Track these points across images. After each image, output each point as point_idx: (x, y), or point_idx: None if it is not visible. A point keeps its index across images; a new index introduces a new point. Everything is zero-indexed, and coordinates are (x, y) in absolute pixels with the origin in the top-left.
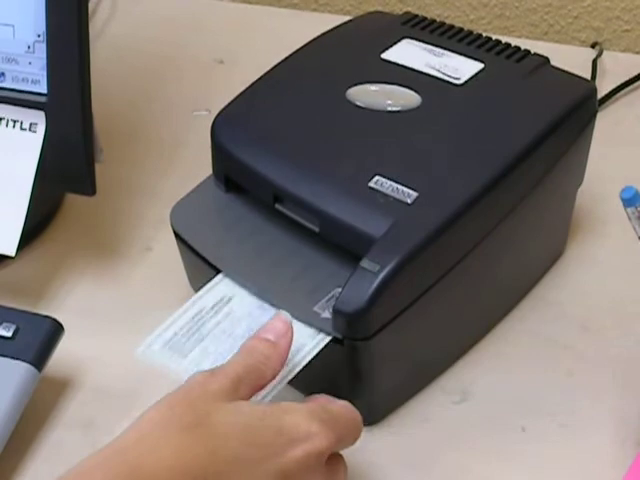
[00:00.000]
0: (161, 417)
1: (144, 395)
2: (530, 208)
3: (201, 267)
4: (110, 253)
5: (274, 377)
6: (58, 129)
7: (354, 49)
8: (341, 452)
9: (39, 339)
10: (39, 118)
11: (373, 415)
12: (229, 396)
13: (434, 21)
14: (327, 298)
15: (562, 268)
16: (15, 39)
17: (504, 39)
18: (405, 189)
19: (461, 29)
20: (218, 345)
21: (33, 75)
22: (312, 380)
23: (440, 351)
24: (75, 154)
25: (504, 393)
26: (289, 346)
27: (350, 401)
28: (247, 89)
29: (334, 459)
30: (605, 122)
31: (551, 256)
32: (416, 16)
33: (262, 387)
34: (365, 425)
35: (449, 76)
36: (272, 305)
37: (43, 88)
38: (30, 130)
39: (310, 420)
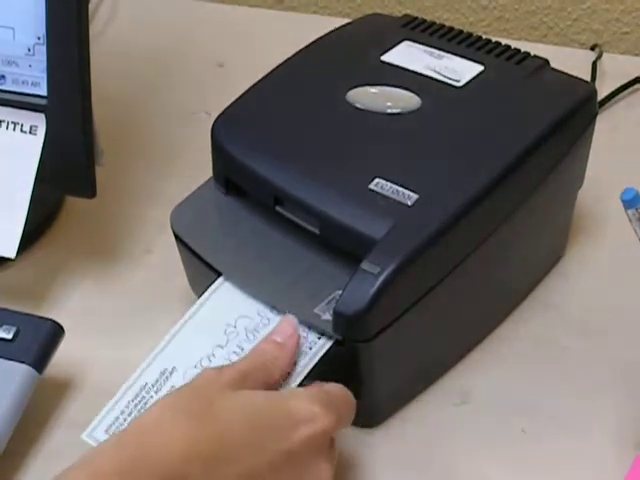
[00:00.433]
0: (171, 405)
1: None
2: (530, 210)
3: (201, 270)
4: (110, 256)
5: (282, 377)
6: (58, 131)
7: (354, 51)
8: (343, 453)
9: (39, 341)
10: (39, 120)
11: (374, 417)
12: (235, 386)
13: (434, 23)
14: (328, 300)
15: (562, 270)
16: (15, 42)
17: (504, 41)
18: (405, 191)
19: (461, 31)
20: None
21: (33, 78)
22: (312, 382)
23: (441, 353)
24: (75, 156)
25: (504, 395)
26: (296, 347)
27: None
28: (247, 92)
29: (332, 442)
30: (605, 124)
31: (551, 258)
32: (416, 18)
33: (269, 386)
34: (366, 427)
35: (449, 78)
36: (273, 310)
37: (43, 90)
38: (30, 132)
39: (312, 402)
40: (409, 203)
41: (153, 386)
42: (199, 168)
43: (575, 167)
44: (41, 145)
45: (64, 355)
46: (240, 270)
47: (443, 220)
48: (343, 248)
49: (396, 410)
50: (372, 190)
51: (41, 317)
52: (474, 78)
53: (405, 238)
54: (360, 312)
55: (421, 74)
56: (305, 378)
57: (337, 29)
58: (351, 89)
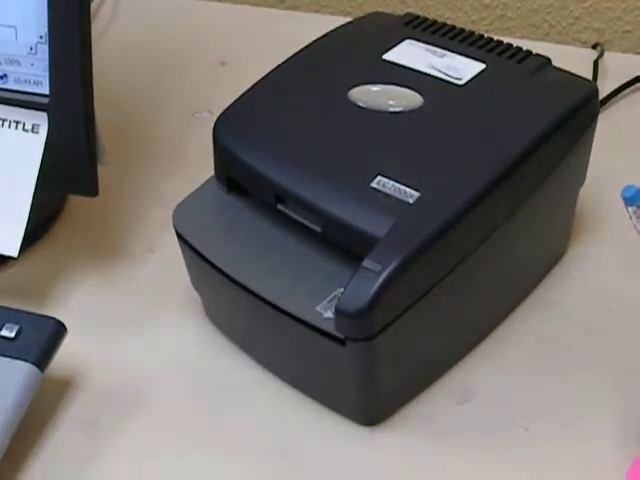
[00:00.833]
0: None
1: (147, 396)
2: (532, 208)
3: (203, 268)
4: (113, 254)
5: None
6: (60, 130)
7: (356, 50)
8: (344, 451)
9: (42, 340)
10: (41, 119)
11: (375, 415)
12: None
13: (436, 22)
14: (329, 298)
15: (564, 268)
16: (17, 41)
17: (505, 40)
18: (407, 189)
19: (463, 30)
20: None
21: (35, 76)
22: (314, 380)
23: (442, 351)
24: (77, 155)
25: (506, 393)
26: None
27: (352, 401)
28: (249, 90)
29: None
30: (606, 123)
31: (553, 256)
32: (418, 17)
33: None
34: (367, 425)
35: (451, 77)
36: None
37: (45, 89)
38: (32, 131)
39: None
40: (411, 201)
41: None
42: (201, 167)
43: (577, 165)
44: (43, 144)
45: (66, 354)
46: (242, 268)
47: (445, 218)
48: (345, 246)
49: (398, 408)
50: (374, 188)
51: (44, 316)
52: (476, 76)
53: (407, 236)
54: (362, 310)
55: (423, 72)
56: None
57: (339, 28)
58: (353, 87)
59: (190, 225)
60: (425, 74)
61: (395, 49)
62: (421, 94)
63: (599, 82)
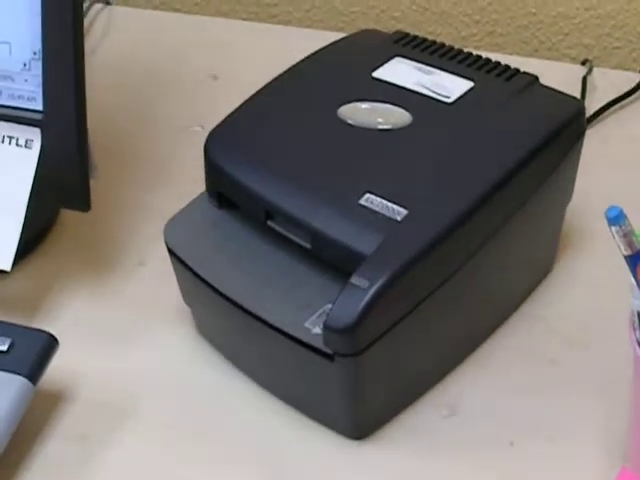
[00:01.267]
0: None
1: (138, 408)
2: (519, 225)
3: (194, 283)
4: (104, 268)
5: None
6: (54, 146)
7: (346, 67)
8: (332, 464)
9: (34, 353)
10: (35, 135)
11: (362, 429)
12: None
13: (425, 40)
14: (318, 314)
15: (551, 284)
16: (11, 57)
17: (495, 56)
18: (395, 206)
19: (452, 47)
20: None
21: (29, 92)
22: (303, 394)
23: (429, 366)
24: (70, 170)
25: (492, 407)
26: None
27: (340, 415)
28: (240, 106)
29: None
30: (595, 139)
31: (540, 272)
32: (407, 34)
33: None
34: (354, 439)
35: (439, 94)
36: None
37: (39, 105)
38: (26, 146)
39: None
40: (399, 218)
41: None
42: (193, 181)
43: (563, 183)
44: (36, 159)
45: (58, 367)
46: (232, 283)
47: (432, 236)
48: (333, 263)
49: (385, 422)
50: (362, 205)
51: (36, 329)
52: (464, 94)
53: (394, 253)
54: (349, 326)
55: (412, 90)
56: None
57: (330, 45)
58: (342, 105)
59: (181, 240)
60: (414, 92)
61: (384, 67)
62: (410, 112)
63: (588, 98)
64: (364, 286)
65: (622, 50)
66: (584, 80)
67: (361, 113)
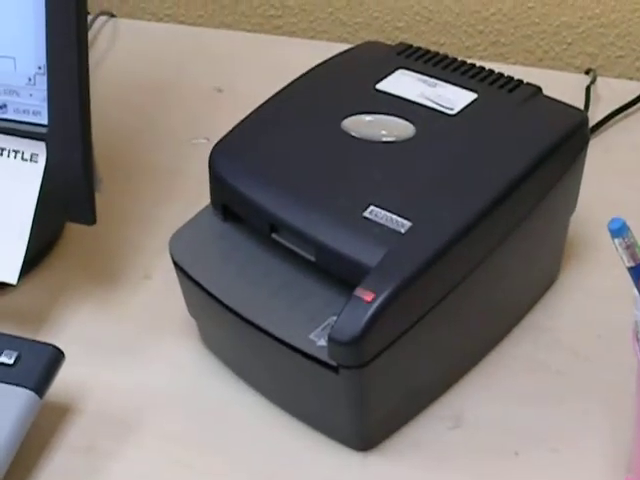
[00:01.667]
0: None
1: (144, 420)
2: (523, 236)
3: (199, 295)
4: (110, 281)
5: None
6: (59, 159)
7: (349, 79)
8: (337, 476)
9: (40, 366)
10: (40, 149)
11: (367, 441)
12: None
13: (428, 51)
14: (323, 326)
15: (555, 295)
16: (16, 71)
17: (499, 66)
18: (399, 219)
19: (455, 59)
20: None
21: (34, 107)
22: (308, 406)
23: (434, 378)
24: (75, 184)
25: (497, 419)
26: None
27: (345, 426)
28: (245, 119)
29: None
30: (599, 148)
31: (544, 283)
32: (410, 46)
33: None
34: (359, 451)
35: (443, 106)
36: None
37: (44, 119)
38: (31, 160)
39: None
40: (403, 231)
41: None
42: (198, 194)
43: (567, 194)
44: (42, 173)
45: (64, 379)
46: (237, 296)
47: (436, 248)
48: (338, 275)
49: (390, 433)
50: (366, 218)
51: (42, 342)
52: (467, 106)
53: (399, 266)
54: (354, 338)
55: (415, 102)
56: None
57: (333, 57)
58: (346, 117)
59: (186, 253)
60: (417, 104)
61: (388, 79)
62: (413, 124)
63: (592, 107)
64: (368, 299)
65: (626, 59)
66: (588, 89)
67: (365, 125)
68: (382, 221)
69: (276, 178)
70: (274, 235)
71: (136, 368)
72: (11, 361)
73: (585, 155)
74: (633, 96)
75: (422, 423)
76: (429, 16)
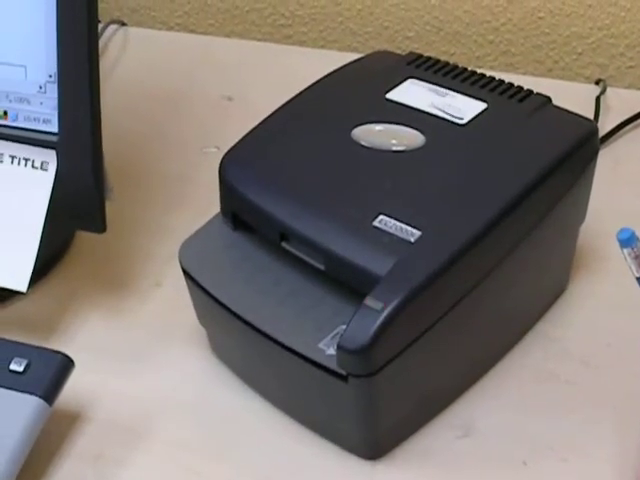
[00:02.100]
0: None
1: (153, 428)
2: (533, 246)
3: (209, 304)
4: (120, 289)
5: None
6: (69, 168)
7: (360, 89)
8: None
9: (50, 374)
10: (50, 157)
11: (377, 449)
12: None
13: (438, 61)
14: (332, 335)
15: (565, 304)
16: (27, 80)
17: (509, 76)
18: (409, 228)
19: (465, 69)
20: None
21: (45, 115)
22: (317, 414)
23: (443, 386)
24: (86, 192)
25: (506, 427)
26: None
27: (354, 435)
28: (255, 128)
29: None
30: (608, 159)
31: (554, 292)
32: (421, 56)
33: None
34: (369, 459)
35: (453, 116)
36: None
37: (54, 127)
38: (41, 168)
39: None
40: (412, 240)
41: None
42: (208, 202)
43: (576, 204)
44: (52, 181)
45: (74, 387)
46: (246, 304)
47: (446, 257)
48: (348, 284)
49: (399, 442)
50: (376, 227)
51: (52, 350)
52: (477, 116)
53: (408, 275)
54: (363, 347)
55: (425, 112)
56: None
57: (344, 66)
58: (356, 127)
59: (196, 261)
60: (427, 113)
61: (398, 88)
62: (423, 133)
63: (601, 118)
64: (378, 307)
65: (636, 69)
66: (598, 100)
67: (375, 135)
68: (392, 230)
69: (286, 187)
70: (284, 244)
71: (146, 376)
72: (21, 369)
73: (595, 165)
74: None
75: (431, 432)
76: (439, 26)
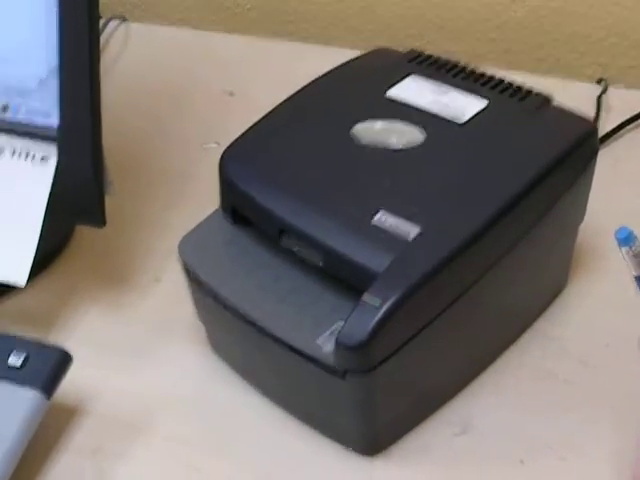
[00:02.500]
0: None
1: (152, 423)
2: (532, 245)
3: (208, 299)
4: (119, 284)
5: None
6: (69, 161)
7: (360, 86)
8: None
9: (48, 368)
10: (51, 150)
11: (374, 446)
12: None
13: (439, 59)
14: (330, 331)
15: (563, 303)
16: (28, 74)
17: (511, 74)
18: (407, 225)
19: (465, 67)
20: None
21: (45, 109)
22: (315, 410)
23: (441, 383)
24: (86, 186)
25: (504, 425)
26: None
27: (352, 431)
28: (255, 124)
29: None
30: (609, 158)
31: (553, 291)
32: (421, 53)
33: None
34: (366, 456)
35: (453, 114)
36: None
37: (55, 121)
38: (42, 162)
39: None
40: (411, 237)
41: None
42: (208, 198)
43: (575, 204)
44: (52, 175)
45: (72, 381)
46: (245, 300)
47: (444, 254)
48: (346, 280)
49: (396, 439)
50: (375, 224)
51: (50, 344)
52: (477, 114)
53: (406, 271)
54: (361, 344)
55: (425, 110)
56: None
57: (344, 63)
58: (356, 124)
59: (195, 256)
60: (427, 111)
61: (399, 85)
62: (423, 131)
63: (602, 117)
64: (376, 304)
65: (637, 69)
66: (599, 99)
67: (375, 132)
68: (390, 227)
69: (286, 183)
70: (283, 240)
71: (144, 371)
72: (19, 363)
73: (594, 165)
74: None
75: (429, 429)
76: (441, 24)
